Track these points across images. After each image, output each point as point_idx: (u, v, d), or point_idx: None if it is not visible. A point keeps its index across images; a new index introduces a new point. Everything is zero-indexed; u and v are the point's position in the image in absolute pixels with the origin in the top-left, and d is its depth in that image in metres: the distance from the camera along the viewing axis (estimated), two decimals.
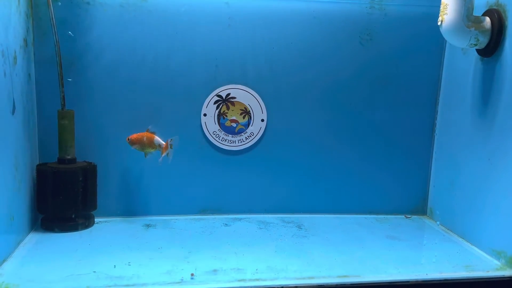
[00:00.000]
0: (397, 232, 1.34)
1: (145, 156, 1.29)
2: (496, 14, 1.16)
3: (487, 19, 1.17)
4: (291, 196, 1.45)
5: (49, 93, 1.27)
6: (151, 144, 1.27)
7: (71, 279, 0.97)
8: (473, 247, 1.24)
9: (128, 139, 1.28)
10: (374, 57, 1.41)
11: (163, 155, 1.27)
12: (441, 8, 1.17)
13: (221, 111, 1.39)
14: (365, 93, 1.42)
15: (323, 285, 1.01)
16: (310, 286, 1.01)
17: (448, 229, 1.37)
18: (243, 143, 1.41)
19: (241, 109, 1.40)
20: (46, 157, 1.30)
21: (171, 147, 1.28)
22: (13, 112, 1.10)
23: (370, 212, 1.48)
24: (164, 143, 1.27)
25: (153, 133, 1.27)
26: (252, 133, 1.41)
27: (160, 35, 1.31)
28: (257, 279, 1.01)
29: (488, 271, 1.10)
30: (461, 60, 1.33)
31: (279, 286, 0.99)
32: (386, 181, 1.47)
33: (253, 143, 1.41)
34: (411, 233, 1.34)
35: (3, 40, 1.03)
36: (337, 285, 1.02)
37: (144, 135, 1.27)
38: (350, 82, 1.41)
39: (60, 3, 1.24)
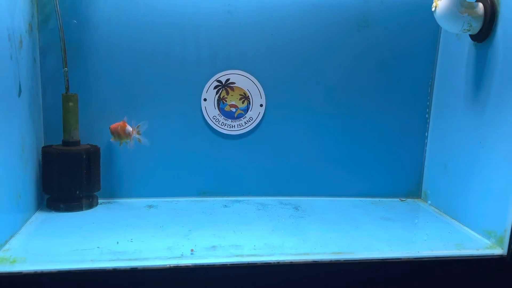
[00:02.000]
0: (391, 213, 1.38)
1: (119, 145, 1.32)
2: (489, 0, 1.18)
3: (480, 4, 1.19)
4: (289, 179, 1.49)
5: (54, 77, 1.30)
6: (124, 133, 1.30)
7: (76, 253, 1.02)
8: (465, 227, 1.28)
9: (109, 129, 1.32)
10: (370, 43, 1.43)
11: (131, 141, 1.31)
12: None
13: (221, 96, 1.42)
14: (361, 78, 1.45)
15: (318, 261, 1.05)
16: (305, 262, 1.05)
17: (441, 211, 1.41)
18: (242, 127, 1.45)
19: (240, 94, 1.43)
20: (51, 139, 1.34)
21: (138, 133, 1.31)
22: (19, 95, 1.14)
23: (366, 195, 1.52)
24: (131, 128, 1.31)
25: (125, 122, 1.31)
26: (251, 118, 1.44)
27: (162, 21, 1.34)
28: (254, 255, 1.05)
29: (478, 250, 1.14)
30: (456, 45, 1.36)
31: (275, 262, 1.03)
32: (381, 165, 1.51)
33: (252, 127, 1.45)
34: (405, 214, 1.38)
35: (9, 25, 1.07)
36: (331, 261, 1.05)
37: (119, 125, 1.31)
38: (347, 67, 1.44)
39: None
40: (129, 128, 1.30)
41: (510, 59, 1.13)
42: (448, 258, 1.10)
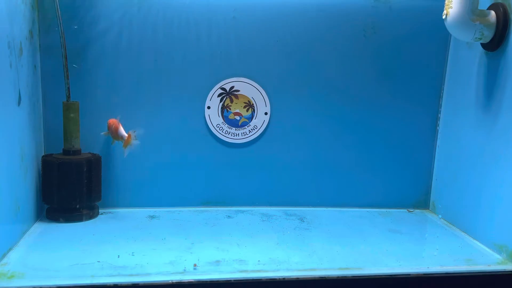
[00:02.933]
0: (399, 225, 1.34)
1: (111, 143, 1.30)
2: (501, 8, 1.15)
3: (492, 12, 1.16)
4: (294, 189, 1.46)
5: (55, 84, 1.28)
6: (116, 134, 1.27)
7: (76, 268, 0.99)
8: (475, 241, 1.25)
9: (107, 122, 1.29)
10: (378, 51, 1.41)
11: (126, 148, 1.27)
12: (446, 1, 1.16)
13: (225, 104, 1.39)
14: (368, 86, 1.42)
15: (325, 277, 1.02)
16: (312, 278, 1.01)
17: (450, 223, 1.38)
18: (246, 136, 1.42)
19: (244, 102, 1.40)
20: (52, 148, 1.31)
21: (135, 138, 1.27)
22: (18, 103, 1.11)
23: (373, 206, 1.49)
24: (126, 134, 1.27)
25: (119, 123, 1.27)
26: (255, 126, 1.41)
27: (165, 27, 1.32)
28: (259, 270, 1.02)
29: (489, 265, 1.10)
30: (466, 54, 1.33)
31: (280, 278, 1.00)
32: (389, 175, 1.48)
33: (256, 136, 1.42)
34: (413, 226, 1.35)
35: (9, 32, 1.04)
36: (338, 277, 1.02)
37: (113, 123, 1.27)
38: (354, 75, 1.41)
39: None
40: (122, 132, 1.27)
41: None
42: (459, 274, 1.06)
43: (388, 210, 1.48)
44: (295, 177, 1.46)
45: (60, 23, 1.21)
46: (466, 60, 1.33)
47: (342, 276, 1.02)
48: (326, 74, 1.40)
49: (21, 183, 1.13)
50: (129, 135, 1.26)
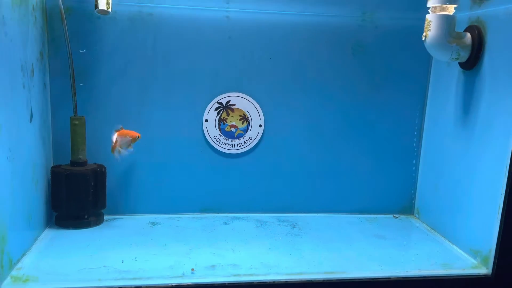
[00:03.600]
0: (385, 231, 1.44)
1: (111, 151, 1.37)
2: (476, 30, 1.24)
3: (468, 35, 1.25)
4: (287, 196, 1.56)
5: (63, 101, 1.37)
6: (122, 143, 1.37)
7: (84, 272, 1.08)
8: (454, 246, 1.34)
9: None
10: (365, 67, 1.49)
11: (113, 152, 1.36)
12: (425, 24, 1.25)
13: (222, 117, 1.49)
14: (356, 100, 1.51)
15: (311, 281, 1.11)
16: (299, 281, 1.11)
17: (432, 229, 1.47)
18: (242, 147, 1.51)
19: (240, 115, 1.49)
20: (60, 159, 1.40)
21: (123, 146, 1.36)
22: (31, 120, 1.21)
23: (361, 212, 1.58)
24: (114, 140, 1.35)
25: (117, 131, 1.36)
26: (250, 138, 1.51)
27: (165, 47, 1.41)
28: (251, 274, 1.11)
29: (464, 269, 1.20)
30: (446, 71, 1.42)
31: (270, 281, 1.10)
32: (376, 183, 1.57)
33: (251, 147, 1.51)
34: (397, 232, 1.44)
35: (22, 55, 1.14)
36: (323, 280, 1.12)
37: (127, 133, 1.37)
38: (343, 90, 1.50)
39: (72, 17, 1.34)
40: (112, 137, 1.36)
41: (496, 86, 1.19)
42: (435, 278, 1.16)
43: (375, 216, 1.57)
44: (287, 185, 1.55)
45: (68, 45, 1.30)
46: (446, 77, 1.42)
47: (327, 280, 1.12)
48: (316, 89, 1.49)
49: (33, 193, 1.23)
50: (116, 142, 1.35)
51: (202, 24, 1.41)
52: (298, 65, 1.48)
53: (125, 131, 1.37)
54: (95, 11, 1.27)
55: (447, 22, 1.22)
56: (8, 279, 1.03)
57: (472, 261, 1.24)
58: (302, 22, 1.45)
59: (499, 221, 1.15)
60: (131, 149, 1.38)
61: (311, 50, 1.47)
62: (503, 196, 1.13)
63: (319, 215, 1.56)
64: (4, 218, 1.02)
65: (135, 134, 1.38)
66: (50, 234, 1.31)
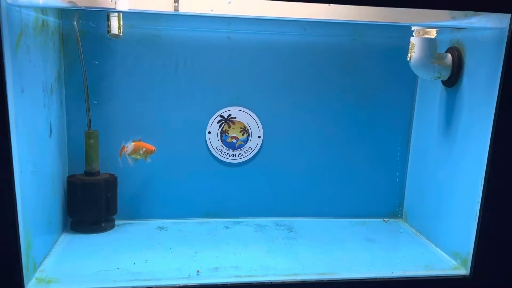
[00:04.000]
0: (374, 234, 1.55)
1: (135, 161, 1.49)
2: (456, 52, 1.36)
3: (449, 55, 1.37)
4: (284, 202, 1.67)
5: (77, 116, 1.49)
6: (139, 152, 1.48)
7: (100, 274, 1.20)
8: (437, 248, 1.45)
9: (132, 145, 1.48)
10: (357, 82, 1.61)
11: (119, 158, 1.47)
12: (410, 46, 1.37)
13: (223, 129, 1.60)
14: (350, 113, 1.62)
15: (305, 281, 1.23)
16: (295, 282, 1.22)
17: (419, 232, 1.59)
18: (242, 156, 1.63)
19: (240, 127, 1.61)
20: (75, 169, 1.52)
21: (128, 153, 1.46)
22: (50, 135, 1.33)
23: (353, 216, 1.70)
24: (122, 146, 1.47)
25: (135, 142, 1.47)
26: (250, 148, 1.63)
27: (171, 65, 1.52)
28: (251, 275, 1.23)
29: (444, 270, 1.31)
30: (430, 88, 1.53)
31: (268, 282, 1.21)
32: (367, 189, 1.69)
33: (251, 156, 1.63)
34: (386, 235, 1.55)
35: (43, 78, 1.26)
36: (316, 281, 1.23)
37: (142, 146, 1.48)
38: (337, 103, 1.62)
39: (86, 40, 1.45)
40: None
41: (474, 102, 1.30)
42: (418, 278, 1.27)
43: (366, 220, 1.69)
44: (285, 191, 1.67)
45: (83, 65, 1.42)
46: (430, 93, 1.53)
47: (319, 280, 1.23)
48: (311, 104, 1.60)
49: (52, 201, 1.35)
50: (122, 148, 1.46)
51: (206, 44, 1.52)
52: (294, 81, 1.59)
53: (142, 143, 1.48)
54: (108, 35, 1.38)
55: (430, 44, 1.34)
56: (33, 281, 1.15)
57: (453, 262, 1.36)
58: (300, 42, 1.56)
59: (475, 226, 1.26)
60: (135, 157, 1.48)
61: (308, 67, 1.58)
62: (479, 204, 1.25)
63: (313, 219, 1.68)
64: (30, 227, 1.14)
65: (151, 147, 1.49)
66: (67, 238, 1.43)
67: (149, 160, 1.49)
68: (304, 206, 1.68)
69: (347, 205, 1.70)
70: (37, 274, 1.18)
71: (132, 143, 1.47)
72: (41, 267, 1.22)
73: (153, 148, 1.49)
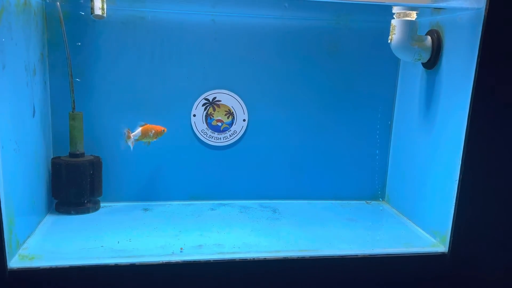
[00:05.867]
0: (356, 215, 1.58)
1: (148, 144, 1.50)
2: (435, 34, 1.38)
3: (429, 38, 1.39)
4: (268, 184, 1.69)
5: (61, 97, 1.49)
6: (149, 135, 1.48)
7: (83, 251, 1.21)
8: (417, 228, 1.48)
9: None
10: (340, 65, 1.63)
11: (126, 143, 1.47)
12: (391, 28, 1.39)
13: (208, 112, 1.61)
14: (332, 95, 1.65)
15: (287, 258, 1.25)
16: (276, 258, 1.24)
17: (400, 213, 1.62)
18: (227, 139, 1.64)
19: (225, 111, 1.62)
20: (59, 151, 1.52)
21: (131, 137, 1.46)
22: (33, 115, 1.33)
23: (336, 198, 1.72)
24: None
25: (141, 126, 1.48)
26: (235, 131, 1.64)
27: (156, 47, 1.53)
28: (234, 252, 1.25)
29: (423, 247, 1.34)
30: (411, 70, 1.56)
31: (251, 258, 1.23)
32: (350, 171, 1.71)
33: (236, 139, 1.65)
34: (368, 216, 1.58)
35: (25, 57, 1.26)
36: (298, 257, 1.25)
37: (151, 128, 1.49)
38: (319, 86, 1.64)
39: (69, 20, 1.45)
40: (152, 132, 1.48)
41: (452, 84, 1.33)
42: (397, 255, 1.30)
43: (349, 202, 1.71)
44: (269, 174, 1.69)
45: (67, 46, 1.42)
46: (411, 75, 1.56)
47: (301, 257, 1.26)
48: (295, 86, 1.62)
49: (35, 182, 1.35)
50: (128, 134, 1.46)
51: (191, 27, 1.53)
52: (278, 64, 1.60)
53: (149, 126, 1.48)
54: (91, 16, 1.39)
55: (410, 26, 1.36)
56: (16, 257, 1.16)
57: (432, 240, 1.39)
58: (282, 25, 1.58)
59: (454, 205, 1.29)
60: (146, 140, 1.48)
61: (291, 51, 1.60)
62: (457, 182, 1.28)
63: (298, 201, 1.70)
64: (12, 203, 1.14)
65: (159, 128, 1.49)
66: (51, 219, 1.43)
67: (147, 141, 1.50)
68: (289, 188, 1.70)
69: (330, 188, 1.72)
70: (20, 251, 1.19)
71: (140, 128, 1.47)
72: (25, 245, 1.23)
73: (163, 128, 1.50)
